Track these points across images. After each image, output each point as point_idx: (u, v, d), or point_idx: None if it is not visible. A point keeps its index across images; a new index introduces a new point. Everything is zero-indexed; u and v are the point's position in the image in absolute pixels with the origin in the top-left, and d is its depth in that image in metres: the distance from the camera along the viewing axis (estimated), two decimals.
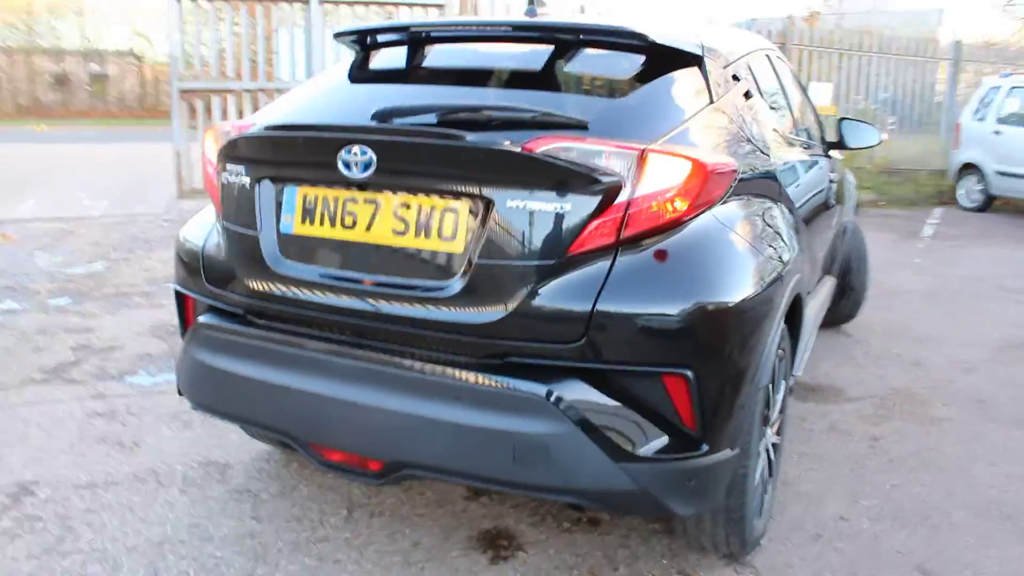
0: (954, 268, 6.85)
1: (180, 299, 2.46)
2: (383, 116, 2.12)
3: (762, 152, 2.46)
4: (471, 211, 1.90)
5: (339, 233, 2.05)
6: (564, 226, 1.84)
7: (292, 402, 2.07)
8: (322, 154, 1.99)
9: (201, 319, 2.28)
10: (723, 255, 1.99)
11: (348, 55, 2.65)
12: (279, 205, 2.13)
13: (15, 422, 3.26)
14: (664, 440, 1.88)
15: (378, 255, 2.01)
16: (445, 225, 1.92)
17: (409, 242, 1.96)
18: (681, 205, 1.90)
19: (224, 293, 2.24)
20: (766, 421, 2.34)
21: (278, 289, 2.12)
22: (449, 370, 1.89)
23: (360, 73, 2.52)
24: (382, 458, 2.00)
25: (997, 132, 9.92)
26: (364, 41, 2.58)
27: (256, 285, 2.15)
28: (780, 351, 2.36)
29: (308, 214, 2.09)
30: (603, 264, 1.85)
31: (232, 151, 2.19)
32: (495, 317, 1.86)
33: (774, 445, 2.51)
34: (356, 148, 1.93)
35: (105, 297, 5.21)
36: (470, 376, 1.87)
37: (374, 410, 1.95)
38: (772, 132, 2.70)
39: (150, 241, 7.10)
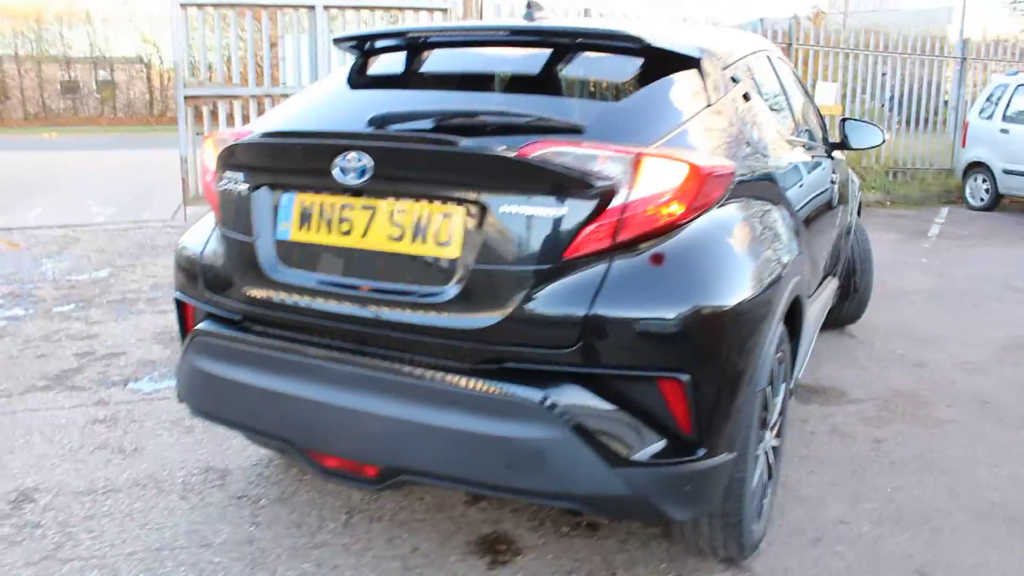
0: (960, 268, 6.81)
1: (180, 306, 2.47)
2: (379, 122, 2.12)
3: (761, 154, 2.45)
4: (466, 216, 1.90)
5: (336, 239, 2.05)
6: (559, 231, 1.84)
7: (289, 408, 2.07)
8: (318, 161, 1.99)
9: (200, 326, 2.28)
10: (720, 259, 1.98)
11: (351, 60, 2.65)
12: (276, 212, 2.14)
13: (17, 428, 3.28)
14: (660, 444, 1.87)
15: (374, 261, 2.01)
16: (441, 230, 1.92)
17: (405, 248, 1.96)
18: (677, 209, 1.89)
19: (222, 300, 2.25)
20: (765, 424, 2.32)
21: (275, 296, 2.12)
22: (445, 376, 1.89)
23: (358, 79, 2.53)
24: (378, 464, 2.00)
25: (1004, 130, 9.88)
26: (363, 46, 2.59)
27: (254, 292, 2.16)
28: (779, 354, 2.35)
29: (305, 221, 2.09)
30: (599, 269, 1.85)
31: (229, 158, 2.20)
32: (491, 322, 1.86)
33: (774, 448, 2.50)
34: (352, 154, 1.93)
35: (109, 304, 5.24)
36: (466, 381, 1.87)
37: (370, 416, 1.95)
38: (772, 134, 2.69)
39: (156, 248, 7.13)
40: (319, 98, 2.49)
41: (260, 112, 8.15)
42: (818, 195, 3.21)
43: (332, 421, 2.01)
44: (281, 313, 2.12)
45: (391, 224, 1.97)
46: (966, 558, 2.47)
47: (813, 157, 3.36)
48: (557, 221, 1.83)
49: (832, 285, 4.00)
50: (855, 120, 4.08)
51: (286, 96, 7.76)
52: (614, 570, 2.35)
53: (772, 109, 2.91)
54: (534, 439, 1.80)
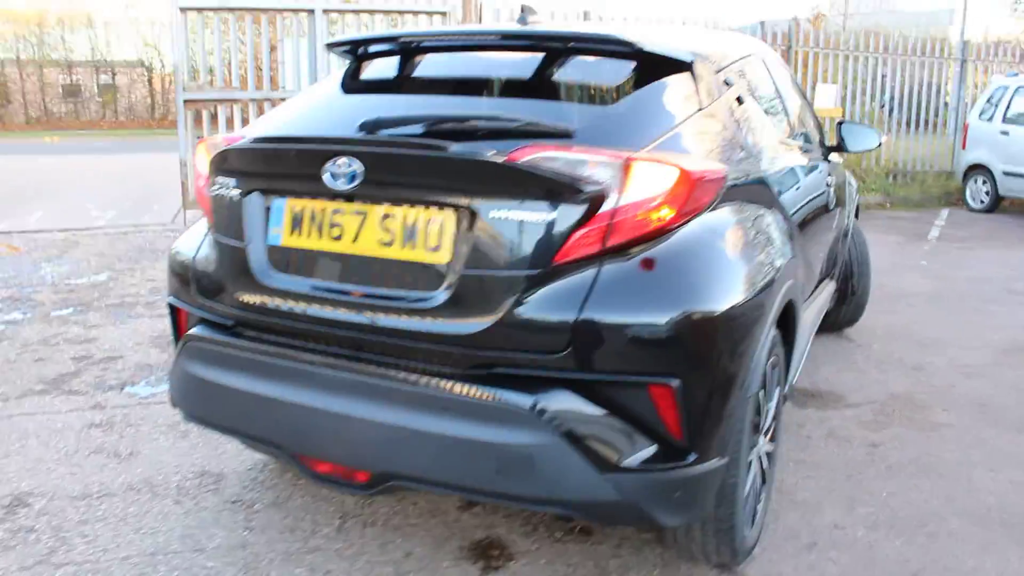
0: (960, 270, 6.80)
1: (173, 311, 2.47)
2: (369, 127, 2.12)
3: (754, 158, 2.45)
4: (456, 222, 1.90)
5: (327, 245, 2.05)
6: (549, 236, 1.83)
7: (280, 413, 2.07)
8: (308, 166, 1.99)
9: (192, 331, 2.28)
10: (710, 263, 1.98)
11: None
12: (268, 217, 2.14)
13: (13, 433, 3.28)
14: (650, 450, 1.86)
15: (365, 266, 2.01)
16: (430, 236, 1.92)
17: (395, 253, 1.96)
18: (667, 213, 1.89)
19: (215, 305, 2.25)
20: (758, 429, 2.32)
21: (266, 301, 2.12)
22: (435, 381, 1.89)
23: (351, 84, 2.53)
24: (369, 469, 2.00)
25: (1004, 132, 9.86)
26: (356, 51, 2.59)
27: (245, 297, 2.16)
28: (773, 358, 2.35)
29: (296, 226, 2.09)
30: (588, 274, 1.84)
31: (221, 164, 2.20)
32: (481, 327, 1.86)
33: (767, 453, 2.49)
34: (342, 160, 1.93)
35: (108, 308, 5.24)
36: (455, 387, 1.86)
37: (360, 421, 1.95)
38: (766, 137, 2.69)
39: (155, 251, 7.14)
40: (311, 103, 2.49)
41: (260, 116, 8.15)
42: (813, 198, 3.21)
43: (323, 426, 2.01)
44: (272, 318, 2.12)
45: (381, 229, 1.97)
46: (962, 563, 2.46)
47: (809, 160, 3.36)
48: (547, 226, 1.82)
49: (829, 288, 3.99)
50: (852, 123, 4.08)
51: (285, 100, 7.76)
52: (607, 575, 2.34)
53: (767, 112, 2.90)
54: (524, 444, 1.80)
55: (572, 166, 1.83)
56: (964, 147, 10.52)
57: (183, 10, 7.87)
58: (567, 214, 1.82)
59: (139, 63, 35.68)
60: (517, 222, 1.83)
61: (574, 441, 1.80)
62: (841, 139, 4.01)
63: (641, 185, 1.85)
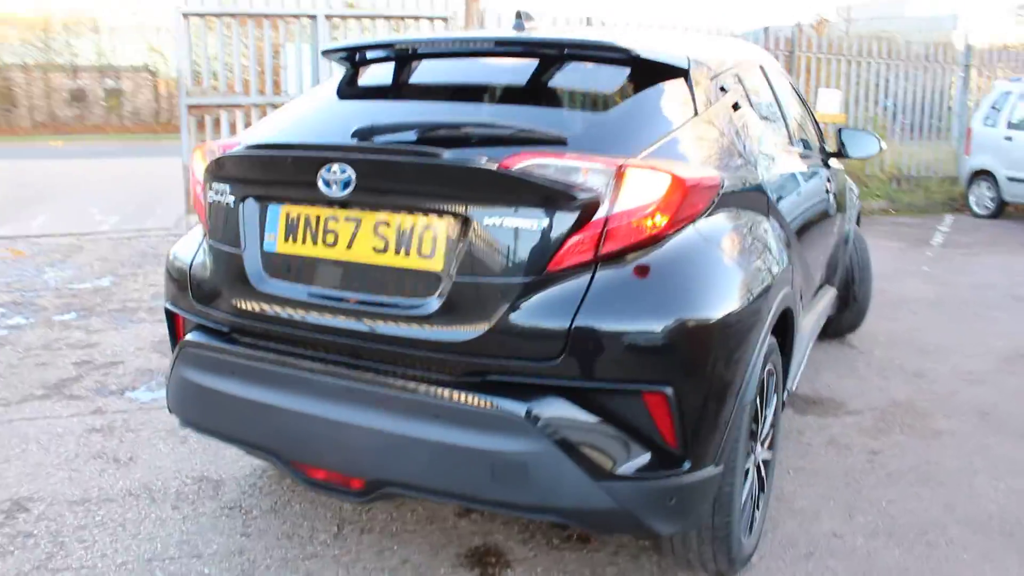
0: (963, 276, 6.78)
1: (170, 316, 2.47)
2: (363, 134, 2.13)
3: (750, 164, 2.44)
4: (449, 228, 1.90)
5: (321, 251, 2.05)
6: (542, 243, 1.83)
7: (275, 420, 2.07)
8: (303, 173, 2.00)
9: (188, 337, 2.29)
10: (704, 270, 1.97)
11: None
12: (263, 223, 2.14)
13: (14, 437, 3.29)
14: (645, 458, 1.86)
15: (359, 273, 2.01)
16: (424, 243, 1.92)
17: (389, 260, 1.96)
18: (661, 220, 1.89)
19: (210, 311, 2.26)
20: (755, 437, 2.31)
21: (261, 307, 2.12)
22: (429, 388, 1.89)
23: (346, 90, 2.53)
24: (363, 476, 2.00)
25: (1008, 138, 9.83)
26: (352, 58, 2.60)
27: (240, 303, 2.16)
28: (770, 366, 2.34)
29: (291, 232, 2.10)
30: (582, 281, 1.84)
31: (217, 170, 2.21)
32: (474, 335, 1.86)
33: (765, 461, 2.49)
34: (336, 167, 1.94)
35: (110, 312, 5.25)
36: (449, 394, 1.86)
37: (355, 428, 1.95)
38: (763, 143, 2.69)
39: (158, 256, 7.15)
40: (307, 110, 2.49)
41: None
42: (812, 205, 3.20)
43: (317, 433, 2.01)
44: (267, 325, 2.12)
45: (375, 236, 1.97)
46: (961, 572, 2.45)
47: (808, 166, 3.35)
48: (540, 233, 1.82)
49: (829, 295, 3.99)
50: (852, 129, 4.08)
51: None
52: None
53: (764, 118, 2.90)
54: (517, 452, 1.79)
55: (565, 173, 1.83)
56: (968, 153, 10.49)
57: (186, 16, 7.90)
58: (560, 221, 1.82)
59: (144, 68, 35.81)
60: (510, 229, 1.83)
61: (568, 449, 1.80)
62: (841, 145, 4.01)
63: (634, 192, 1.85)
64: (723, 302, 1.95)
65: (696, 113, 2.25)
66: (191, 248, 2.39)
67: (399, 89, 2.44)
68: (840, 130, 4.04)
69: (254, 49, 8.32)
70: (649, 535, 2.29)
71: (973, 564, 2.49)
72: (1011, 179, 9.75)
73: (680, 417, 1.85)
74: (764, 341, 2.15)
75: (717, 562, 2.22)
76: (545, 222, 1.83)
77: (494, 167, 1.82)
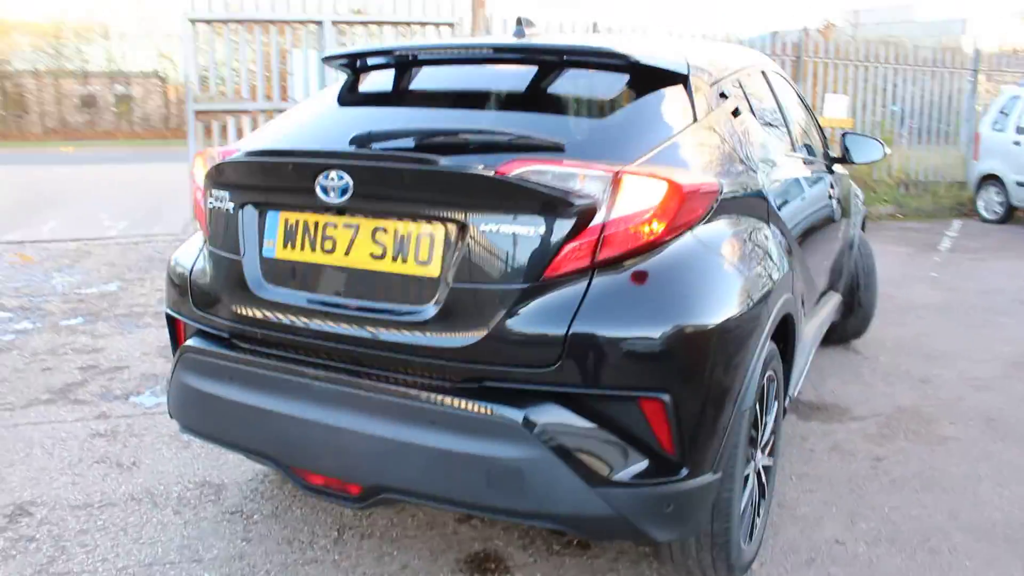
0: (971, 282, 6.74)
1: (171, 322, 2.49)
2: (361, 141, 2.14)
3: (750, 170, 2.44)
4: (446, 235, 1.90)
5: (319, 257, 2.06)
6: (539, 249, 1.83)
7: (274, 426, 2.08)
8: (301, 179, 2.01)
9: (188, 342, 2.30)
10: (702, 277, 1.97)
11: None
12: (262, 230, 2.15)
13: (19, 442, 3.31)
14: (641, 465, 1.85)
15: (356, 279, 2.02)
16: (421, 249, 1.93)
17: (386, 266, 1.97)
18: (658, 227, 1.89)
19: (210, 317, 2.26)
20: (755, 443, 2.30)
21: (260, 313, 2.13)
22: (425, 394, 1.89)
23: (347, 97, 2.54)
24: (360, 482, 2.00)
25: (1017, 142, 9.78)
26: (353, 64, 2.61)
27: (239, 309, 2.17)
28: (770, 372, 2.33)
29: (289, 239, 2.10)
30: (578, 287, 1.84)
31: (217, 176, 2.22)
32: (471, 341, 1.86)
33: (766, 467, 2.48)
34: (333, 173, 1.94)
35: (116, 317, 5.28)
36: (446, 400, 1.86)
37: (352, 434, 1.95)
38: (764, 149, 2.68)
39: (165, 261, 7.12)
40: (306, 116, 2.50)
41: None
42: (815, 211, 3.20)
43: (315, 438, 2.01)
44: (266, 330, 2.13)
45: (373, 242, 1.97)
46: None
47: (812, 172, 3.34)
48: (537, 239, 1.82)
49: (834, 300, 3.97)
50: (856, 134, 4.06)
51: None
52: None
53: (766, 125, 2.90)
54: (514, 458, 1.79)
55: (561, 179, 1.83)
56: (976, 157, 10.45)
57: (193, 22, 7.95)
58: (557, 228, 1.82)
59: (154, 74, 36.06)
60: (507, 236, 1.83)
61: (564, 455, 1.79)
62: (845, 150, 3.99)
63: (631, 198, 1.85)
64: (721, 308, 1.94)
65: (695, 119, 2.25)
66: (192, 254, 2.40)
67: (398, 96, 2.45)
68: (844, 135, 4.03)
69: (261, 55, 8.36)
70: (646, 542, 2.28)
71: (976, 572, 2.47)
72: (1020, 184, 9.70)
73: (677, 423, 1.85)
74: (763, 347, 2.14)
75: (716, 569, 2.20)
76: (542, 228, 1.83)
77: (491, 174, 1.83)
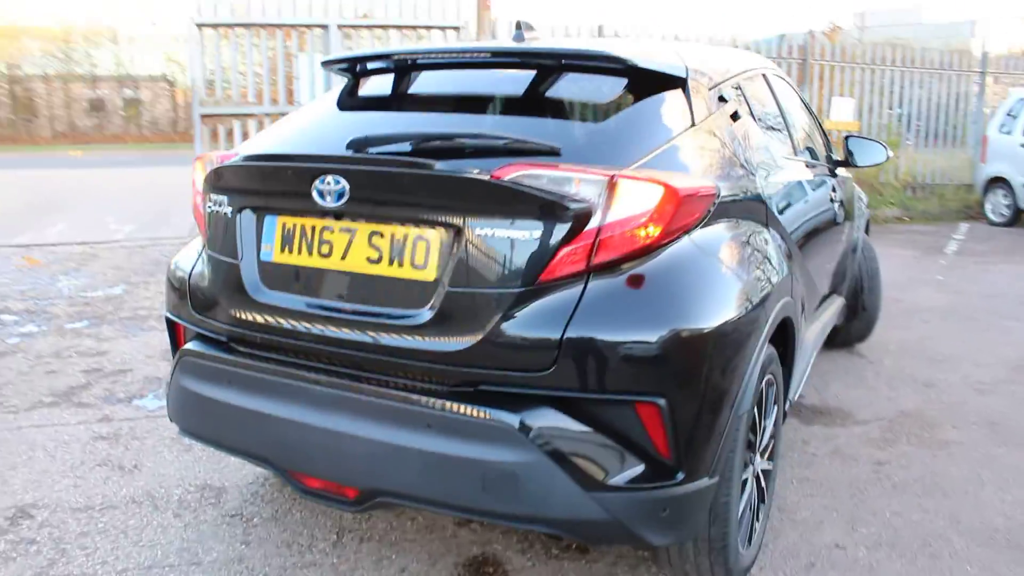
0: (977, 285, 6.71)
1: (171, 325, 2.50)
2: (357, 145, 2.14)
3: (749, 174, 2.43)
4: (442, 239, 1.91)
5: (316, 262, 2.07)
6: (534, 253, 1.84)
7: (271, 429, 2.09)
8: (298, 184, 2.01)
9: (187, 346, 2.31)
10: (698, 280, 1.97)
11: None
12: (259, 234, 2.16)
13: (22, 444, 3.33)
14: (637, 469, 1.85)
15: (353, 283, 2.02)
16: (417, 253, 1.93)
17: (383, 270, 1.97)
18: (654, 231, 1.88)
19: (208, 320, 2.27)
20: (753, 448, 2.30)
21: (258, 317, 2.14)
22: (421, 398, 1.89)
23: (346, 101, 2.55)
24: (357, 486, 2.00)
25: None
26: (353, 69, 2.62)
27: (237, 313, 2.18)
28: (769, 376, 2.33)
29: (287, 243, 2.11)
30: (574, 291, 1.84)
31: (215, 181, 2.23)
32: (466, 345, 1.86)
33: (765, 472, 2.47)
34: (330, 178, 1.95)
35: (121, 320, 5.30)
36: (441, 404, 1.86)
37: (349, 438, 1.96)
38: (763, 153, 2.68)
39: None
40: (305, 121, 2.51)
41: None
42: (816, 214, 3.19)
43: (311, 442, 2.01)
44: (263, 334, 2.13)
45: (369, 247, 1.98)
46: None
47: (814, 175, 3.34)
48: (532, 243, 1.82)
49: (837, 304, 3.96)
50: (859, 137, 4.05)
51: None
52: None
53: (766, 128, 2.89)
54: (509, 463, 1.79)
55: (557, 183, 1.83)
56: (983, 160, 10.40)
57: (200, 26, 7.99)
58: (553, 232, 1.82)
59: (162, 78, 36.26)
60: (502, 239, 1.84)
61: (559, 459, 1.79)
62: (849, 153, 3.98)
63: (627, 202, 1.85)
64: (717, 312, 1.94)
65: (693, 123, 2.25)
66: (191, 258, 2.41)
67: (396, 100, 2.46)
68: (847, 138, 4.02)
69: (267, 59, 8.39)
70: (643, 546, 2.28)
71: None
72: None
73: (673, 428, 1.84)
74: (761, 351, 2.13)
75: (715, 573, 2.19)
76: (537, 232, 1.83)
77: (486, 177, 1.83)
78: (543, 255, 1.83)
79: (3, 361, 4.40)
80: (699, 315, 1.90)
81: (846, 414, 3.78)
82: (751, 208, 2.35)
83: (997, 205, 10.19)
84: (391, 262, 1.96)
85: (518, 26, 2.59)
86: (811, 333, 3.18)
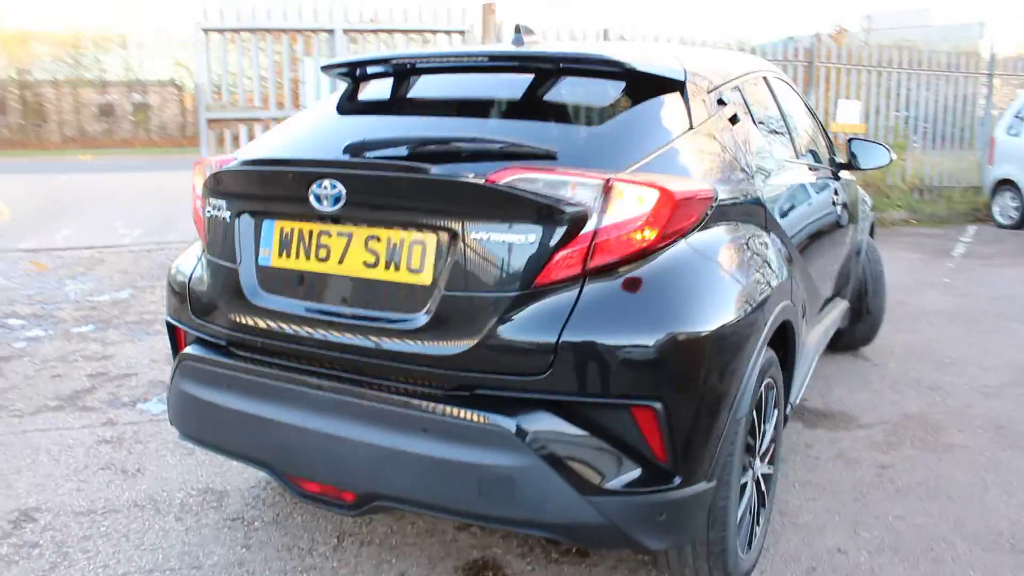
0: (984, 288, 6.67)
1: (171, 329, 2.51)
2: (354, 150, 2.15)
3: (748, 177, 2.43)
4: (438, 243, 1.91)
5: (314, 266, 2.07)
6: (530, 257, 1.83)
7: (269, 433, 2.09)
8: (295, 188, 2.02)
9: (186, 350, 2.32)
10: (695, 284, 1.96)
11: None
12: (258, 238, 2.17)
13: (26, 448, 3.34)
14: (634, 473, 1.85)
15: (350, 287, 2.03)
16: (413, 257, 1.93)
17: (379, 274, 1.98)
18: (650, 234, 1.88)
19: (208, 324, 2.28)
20: (752, 452, 2.29)
21: (256, 321, 2.15)
22: (418, 402, 1.89)
23: (345, 106, 2.56)
24: (354, 490, 2.00)
25: None
26: (352, 73, 2.63)
27: (236, 317, 2.19)
28: (769, 380, 2.32)
29: (285, 247, 2.12)
30: (570, 295, 1.84)
31: (214, 185, 2.24)
32: (462, 349, 1.86)
33: (765, 476, 2.46)
34: (326, 182, 1.95)
35: (127, 325, 5.33)
36: (437, 408, 1.86)
37: (346, 442, 1.96)
38: (763, 156, 2.67)
39: None
40: (304, 125, 2.52)
41: None
42: (818, 217, 3.18)
43: (309, 446, 2.02)
44: (261, 338, 2.14)
45: (366, 251, 1.98)
46: None
47: (816, 178, 3.33)
48: (528, 247, 1.82)
49: (840, 307, 3.94)
50: (862, 140, 4.04)
51: None
52: None
53: (766, 131, 2.89)
54: (505, 466, 1.79)
55: (552, 187, 1.83)
56: (991, 162, 10.35)
57: (206, 31, 8.03)
58: (548, 235, 1.82)
59: (171, 82, 36.46)
60: (498, 243, 1.84)
61: (555, 463, 1.79)
62: (852, 156, 3.98)
63: (622, 206, 1.85)
64: (714, 315, 1.93)
65: (691, 126, 2.25)
66: (191, 262, 2.43)
67: (395, 104, 2.46)
68: (850, 140, 4.01)
69: (273, 63, 8.43)
70: (640, 550, 2.27)
71: None
72: None
73: (670, 431, 1.84)
74: (759, 355, 2.13)
75: None
76: (533, 236, 1.83)
77: (481, 181, 1.83)
78: (539, 259, 1.83)
79: (9, 365, 4.43)
80: (695, 318, 1.89)
81: (850, 418, 3.76)
82: (750, 211, 2.35)
83: (1005, 207, 10.14)
84: (387, 266, 1.96)
85: (517, 30, 2.60)
86: (813, 337, 3.16)
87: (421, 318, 1.91)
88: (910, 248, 8.55)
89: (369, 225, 1.98)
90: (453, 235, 1.88)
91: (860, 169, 3.99)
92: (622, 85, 2.25)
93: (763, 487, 2.45)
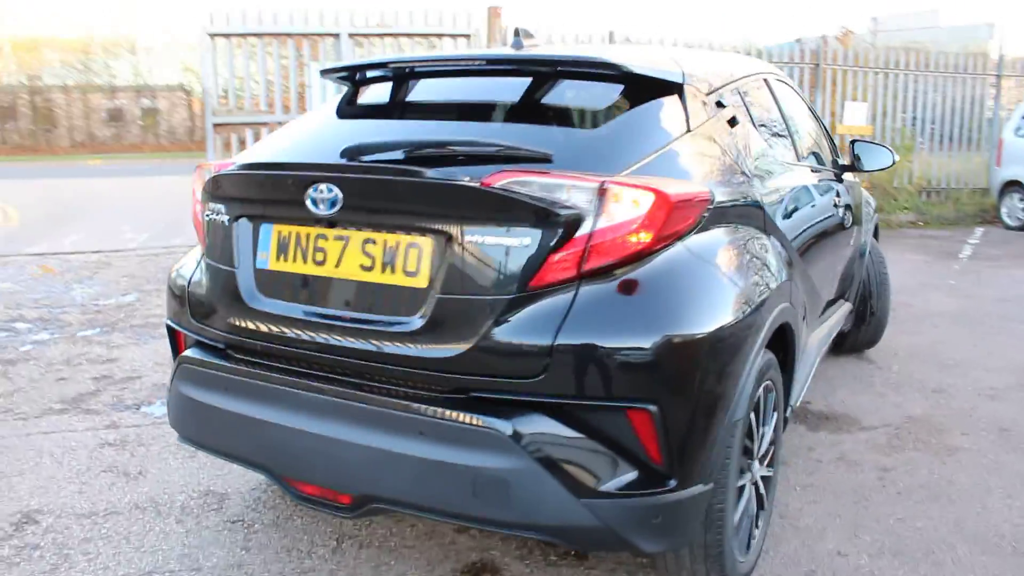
0: (990, 289, 6.64)
1: (171, 332, 2.52)
2: (350, 153, 2.16)
3: (747, 180, 2.42)
4: (433, 246, 1.91)
5: (311, 269, 2.08)
6: (525, 260, 1.84)
7: (266, 436, 2.10)
8: (292, 192, 2.03)
9: (186, 353, 2.33)
10: (691, 287, 1.96)
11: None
12: (255, 242, 2.18)
13: (30, 451, 3.36)
14: (629, 476, 1.85)
15: (347, 291, 2.04)
16: (409, 261, 1.94)
17: (375, 278, 1.98)
18: (645, 237, 1.88)
19: (207, 327, 2.29)
20: (750, 454, 2.28)
21: (254, 324, 2.16)
22: (414, 405, 1.90)
23: (344, 109, 2.57)
24: (350, 492, 2.01)
25: None
26: (352, 77, 2.64)
27: (234, 320, 2.20)
28: (767, 382, 2.32)
29: (282, 251, 2.13)
30: (565, 298, 1.84)
31: (213, 189, 2.25)
32: (458, 352, 1.87)
33: (764, 478, 2.45)
34: (323, 186, 1.96)
35: (132, 328, 5.35)
36: (433, 411, 1.87)
37: (343, 444, 1.97)
38: (762, 158, 2.67)
39: None
40: (303, 129, 2.53)
41: None
42: (820, 219, 3.17)
43: (306, 448, 2.02)
44: (259, 341, 2.15)
45: (362, 254, 1.99)
46: None
47: (818, 180, 3.32)
48: (523, 250, 1.83)
49: (843, 309, 3.93)
50: (865, 142, 4.03)
51: None
52: None
53: (767, 134, 2.88)
54: (500, 469, 1.79)
55: (547, 190, 1.84)
56: (999, 164, 10.30)
57: (212, 36, 8.07)
58: (543, 238, 1.82)
59: (179, 87, 36.66)
60: (493, 246, 1.84)
61: (550, 466, 1.79)
62: (855, 158, 3.96)
63: (617, 209, 1.85)
64: (710, 318, 1.93)
65: (689, 129, 2.25)
66: (191, 266, 2.44)
67: (393, 108, 2.47)
68: (853, 142, 4.00)
69: (279, 68, 8.46)
70: (636, 553, 2.27)
71: None
72: None
73: (665, 434, 1.84)
74: (757, 357, 2.12)
75: None
76: (528, 239, 1.83)
77: (476, 185, 1.83)
78: (534, 261, 1.83)
79: (15, 368, 4.46)
80: (692, 321, 1.89)
81: (852, 420, 3.75)
82: (748, 214, 2.34)
83: (1013, 209, 10.09)
84: (383, 269, 1.97)
85: (516, 33, 2.60)
86: (814, 339, 3.16)
87: (417, 321, 1.91)
88: (916, 250, 8.51)
89: (365, 228, 1.99)
90: (449, 238, 1.88)
91: (864, 171, 3.97)
92: (619, 88, 2.25)
93: (762, 489, 2.44)
